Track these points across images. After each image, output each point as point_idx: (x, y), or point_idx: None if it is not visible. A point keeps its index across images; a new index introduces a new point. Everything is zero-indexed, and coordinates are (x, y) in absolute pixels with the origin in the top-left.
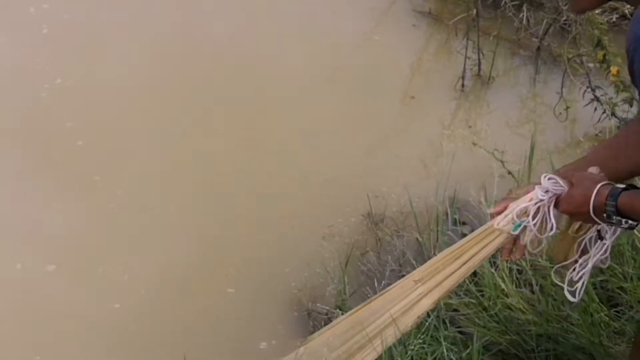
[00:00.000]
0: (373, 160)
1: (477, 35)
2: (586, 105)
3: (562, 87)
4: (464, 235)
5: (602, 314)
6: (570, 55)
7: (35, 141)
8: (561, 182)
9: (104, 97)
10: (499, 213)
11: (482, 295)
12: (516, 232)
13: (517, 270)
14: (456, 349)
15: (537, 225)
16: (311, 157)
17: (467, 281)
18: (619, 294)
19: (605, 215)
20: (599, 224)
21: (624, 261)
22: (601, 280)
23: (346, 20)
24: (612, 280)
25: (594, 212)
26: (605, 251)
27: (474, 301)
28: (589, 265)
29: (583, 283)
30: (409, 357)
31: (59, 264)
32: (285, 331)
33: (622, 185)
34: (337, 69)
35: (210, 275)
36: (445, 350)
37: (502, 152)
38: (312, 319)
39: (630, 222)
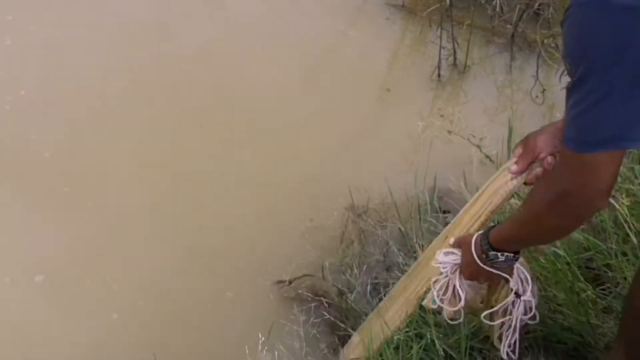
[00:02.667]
0: (352, 154)
1: (451, 25)
2: (563, 88)
3: (537, 69)
4: (447, 223)
5: (589, 292)
6: (543, 38)
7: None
8: (456, 251)
9: (69, 108)
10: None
11: None
12: (435, 307)
13: None
14: (443, 335)
15: (449, 298)
16: (289, 155)
17: None
18: (605, 271)
19: (486, 257)
20: (496, 274)
21: (607, 237)
22: (587, 260)
23: (320, 17)
24: (596, 257)
25: (481, 262)
26: (527, 310)
27: None
28: (514, 324)
29: (515, 342)
30: (395, 345)
31: (46, 275)
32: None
33: (492, 224)
34: (313, 67)
35: (198, 279)
36: (434, 336)
37: (481, 139)
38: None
39: (506, 254)
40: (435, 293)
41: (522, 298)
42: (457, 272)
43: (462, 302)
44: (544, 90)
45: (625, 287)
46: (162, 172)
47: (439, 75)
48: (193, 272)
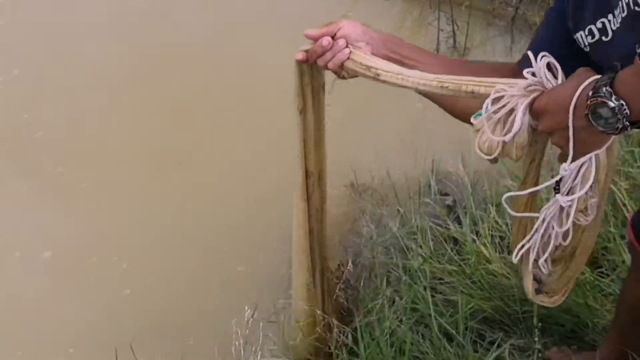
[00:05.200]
0: (352, 135)
1: (450, 7)
2: None
3: None
4: (447, 206)
5: (587, 274)
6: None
7: None
8: (561, 73)
9: (62, 88)
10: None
11: (465, 263)
12: (475, 121)
13: (499, 236)
14: (439, 315)
15: (498, 120)
16: (289, 133)
17: (449, 249)
18: (603, 254)
19: (592, 93)
20: (575, 132)
21: (605, 220)
22: None
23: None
24: None
25: (574, 107)
26: (561, 220)
27: (456, 269)
28: (537, 228)
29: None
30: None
31: (54, 252)
32: None
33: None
34: None
35: (198, 259)
36: (431, 310)
37: None
38: None
39: (625, 106)
40: (488, 105)
41: (559, 197)
42: (530, 99)
43: (513, 133)
44: None
45: (623, 271)
46: (159, 154)
47: None
48: (193, 252)
